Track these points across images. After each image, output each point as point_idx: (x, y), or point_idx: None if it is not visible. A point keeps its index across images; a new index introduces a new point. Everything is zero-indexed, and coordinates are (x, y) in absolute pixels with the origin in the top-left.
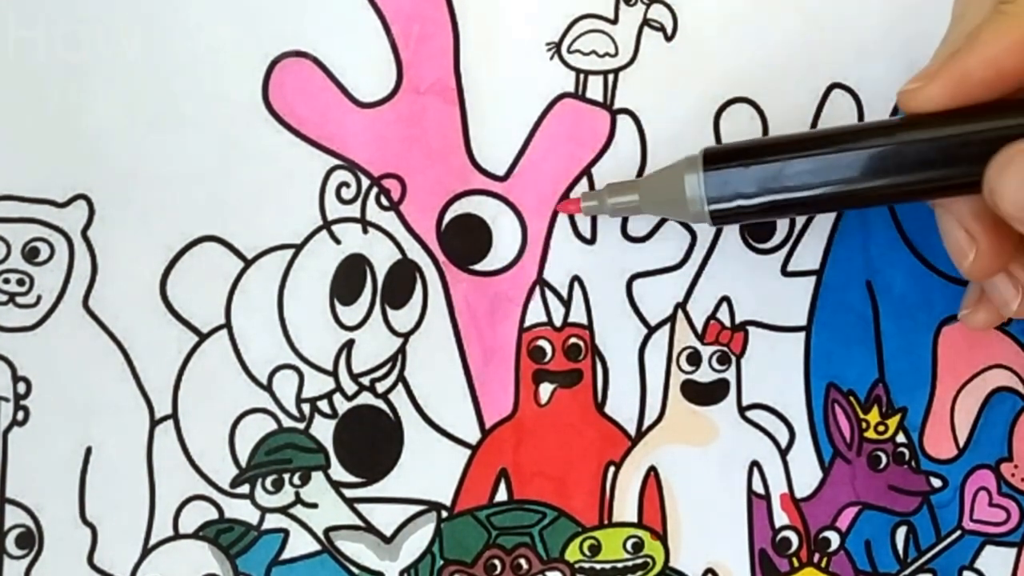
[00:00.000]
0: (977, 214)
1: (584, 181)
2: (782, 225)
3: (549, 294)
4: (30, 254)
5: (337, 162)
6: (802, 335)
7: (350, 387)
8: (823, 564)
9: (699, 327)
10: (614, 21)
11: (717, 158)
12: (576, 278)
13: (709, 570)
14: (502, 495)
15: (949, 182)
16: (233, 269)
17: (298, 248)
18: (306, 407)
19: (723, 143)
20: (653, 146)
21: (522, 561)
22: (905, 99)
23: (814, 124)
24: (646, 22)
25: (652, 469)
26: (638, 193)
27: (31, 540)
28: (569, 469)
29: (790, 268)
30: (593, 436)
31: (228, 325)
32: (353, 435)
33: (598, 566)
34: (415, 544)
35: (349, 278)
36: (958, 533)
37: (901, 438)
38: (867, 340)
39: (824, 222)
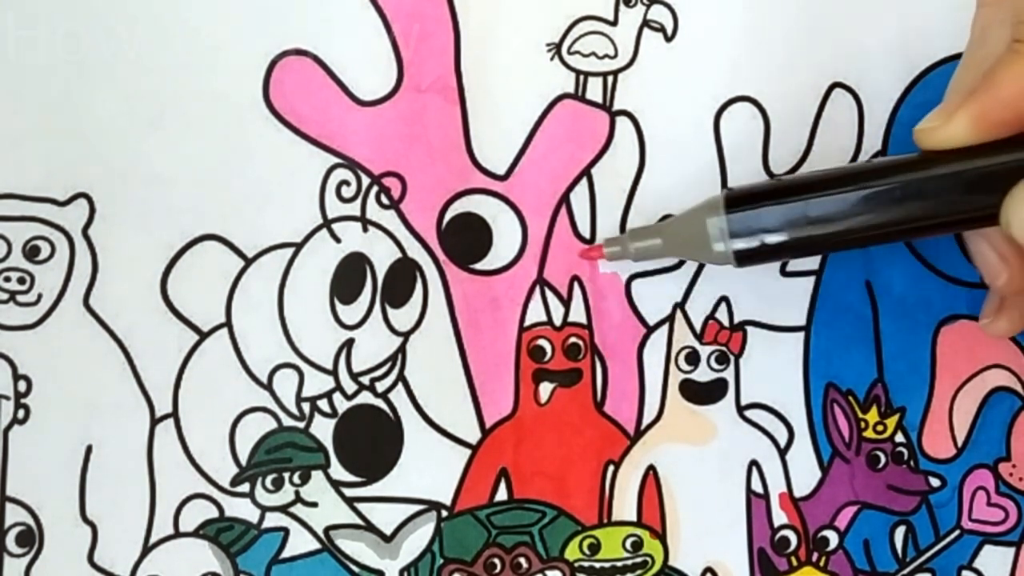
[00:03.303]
0: (1008, 237)
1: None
2: None
3: (549, 293)
4: (31, 252)
5: (337, 160)
6: (801, 335)
7: (350, 386)
8: (822, 563)
9: (697, 327)
10: (614, 23)
11: (738, 200)
12: (576, 278)
13: (708, 569)
14: (502, 494)
15: (968, 215)
16: (233, 268)
17: (298, 247)
18: (306, 406)
19: (741, 185)
20: (652, 147)
21: (522, 560)
22: (923, 137)
23: (815, 124)
24: (646, 23)
25: (651, 468)
26: (661, 237)
27: (31, 538)
28: (569, 468)
29: (789, 268)
30: (592, 435)
31: (228, 324)
32: (353, 434)
33: (597, 565)
34: (415, 543)
35: (349, 277)
36: (957, 532)
37: (900, 438)
38: (866, 340)
39: None
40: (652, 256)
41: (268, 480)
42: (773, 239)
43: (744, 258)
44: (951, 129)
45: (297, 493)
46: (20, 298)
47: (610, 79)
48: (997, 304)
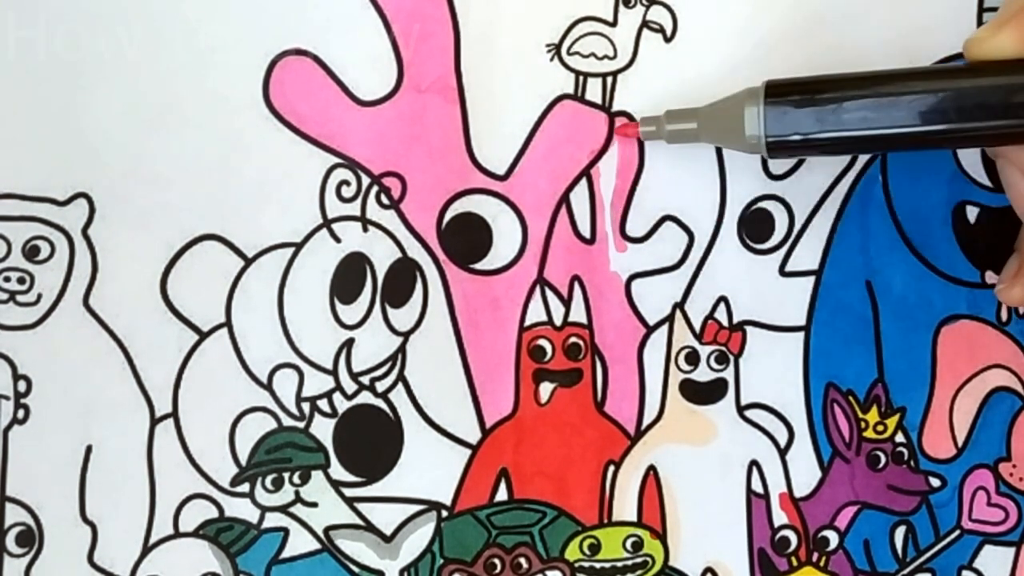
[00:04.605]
0: None
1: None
2: (780, 225)
3: (549, 293)
4: (30, 252)
5: (337, 160)
6: (801, 335)
7: (350, 386)
8: (822, 563)
9: (697, 327)
10: (613, 24)
11: (779, 91)
12: (576, 277)
13: (708, 569)
14: (502, 494)
15: (1008, 130)
16: (233, 268)
17: (298, 247)
18: (306, 406)
19: (785, 77)
20: (651, 147)
21: (522, 560)
22: (972, 47)
23: None
24: (645, 24)
25: (651, 468)
26: (696, 121)
27: (31, 538)
28: (569, 468)
29: (788, 268)
30: (593, 435)
31: (228, 324)
32: (353, 434)
33: (598, 565)
34: (415, 543)
35: (349, 277)
36: (957, 532)
37: (900, 438)
38: (866, 340)
39: (823, 223)
40: (686, 139)
41: (268, 480)
42: (808, 135)
43: (776, 149)
44: (1000, 40)
45: (297, 493)
46: (20, 298)
47: (609, 80)
48: (1015, 270)
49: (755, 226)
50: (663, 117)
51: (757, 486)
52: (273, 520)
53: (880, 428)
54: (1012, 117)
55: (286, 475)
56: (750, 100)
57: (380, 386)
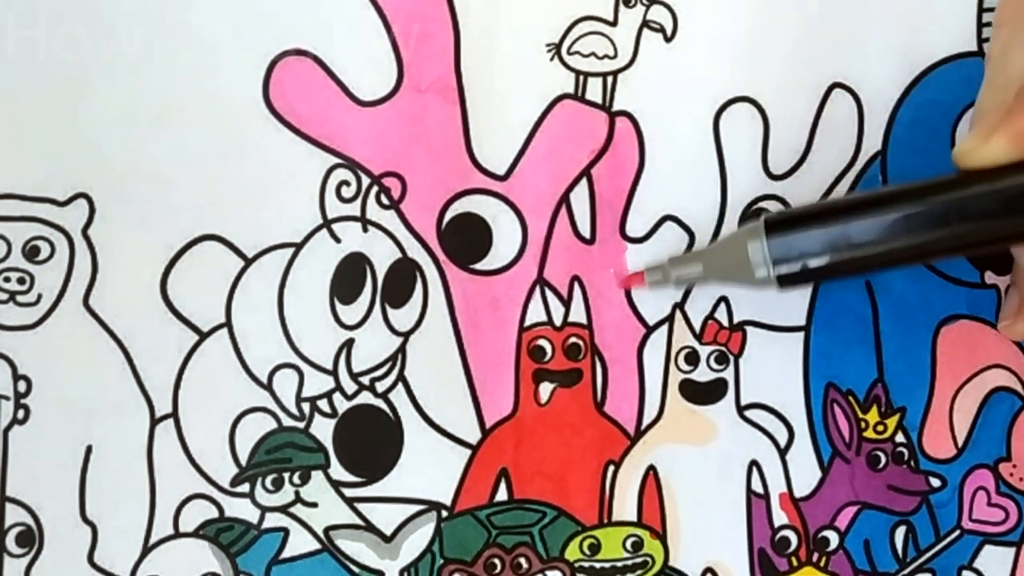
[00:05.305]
0: None
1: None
2: None
3: (549, 293)
4: (31, 253)
5: (337, 161)
6: (801, 335)
7: (350, 386)
8: (822, 563)
9: (697, 327)
10: (613, 23)
11: (779, 225)
12: (576, 278)
13: (708, 569)
14: (502, 495)
15: (1013, 232)
16: (233, 268)
17: (298, 247)
18: (306, 406)
19: (782, 209)
20: (651, 148)
21: (522, 560)
22: (963, 157)
23: (815, 124)
24: (645, 24)
25: (651, 468)
26: (702, 264)
27: (31, 538)
28: (569, 468)
29: None
30: (593, 435)
31: (228, 324)
32: (353, 434)
33: (598, 565)
34: (415, 543)
35: (349, 277)
36: (957, 533)
37: (900, 438)
38: (866, 340)
39: None
40: (692, 281)
41: (268, 480)
42: (815, 262)
43: (787, 282)
44: (991, 148)
45: (297, 493)
46: (20, 298)
47: (610, 79)
48: (1015, 307)
49: None
50: (668, 264)
51: (757, 486)
52: (273, 520)
53: (880, 428)
54: (1008, 220)
55: (286, 475)
56: (751, 237)
57: (380, 386)
